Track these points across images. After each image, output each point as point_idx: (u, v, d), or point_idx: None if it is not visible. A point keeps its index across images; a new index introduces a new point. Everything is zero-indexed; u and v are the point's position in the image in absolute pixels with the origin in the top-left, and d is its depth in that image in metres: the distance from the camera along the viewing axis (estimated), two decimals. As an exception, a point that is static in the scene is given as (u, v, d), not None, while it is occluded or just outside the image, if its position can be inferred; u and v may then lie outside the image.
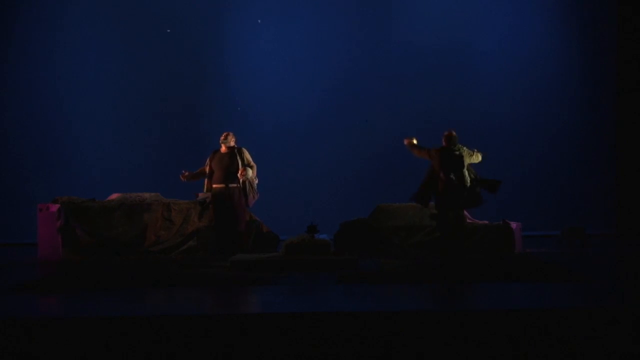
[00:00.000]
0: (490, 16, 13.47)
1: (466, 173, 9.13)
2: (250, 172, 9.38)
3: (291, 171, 13.27)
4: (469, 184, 9.09)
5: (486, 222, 10.23)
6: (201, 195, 9.87)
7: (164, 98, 13.22)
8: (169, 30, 13.14)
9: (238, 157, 9.41)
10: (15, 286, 7.16)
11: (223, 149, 9.51)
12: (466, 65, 13.37)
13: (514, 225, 9.93)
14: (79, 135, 13.29)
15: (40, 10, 13.34)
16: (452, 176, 9.00)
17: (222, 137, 9.54)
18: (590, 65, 13.34)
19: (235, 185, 9.37)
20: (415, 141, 9.42)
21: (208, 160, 9.59)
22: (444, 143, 9.22)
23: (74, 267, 8.87)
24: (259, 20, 13.29)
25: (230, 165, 9.41)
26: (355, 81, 13.46)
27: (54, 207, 9.93)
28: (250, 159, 9.51)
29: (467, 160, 9.17)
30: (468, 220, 10.27)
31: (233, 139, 9.53)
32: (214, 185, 9.47)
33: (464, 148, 9.22)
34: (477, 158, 9.28)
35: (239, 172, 9.33)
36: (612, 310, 5.42)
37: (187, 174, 9.65)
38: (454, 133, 9.22)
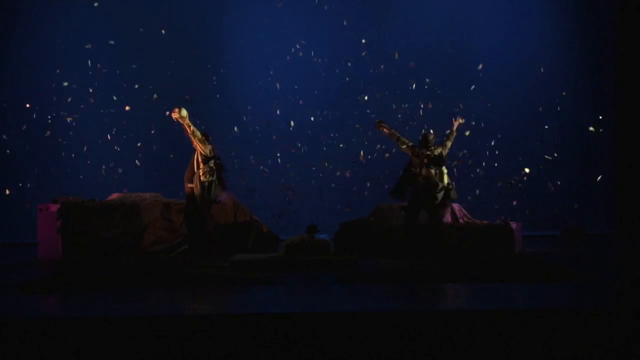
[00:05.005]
0: (490, 16, 13.49)
1: (445, 170, 9.20)
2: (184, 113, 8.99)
3: (291, 171, 13.27)
4: (446, 182, 9.17)
5: (486, 222, 10.23)
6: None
7: (164, 98, 13.21)
8: (163, 31, 13.11)
9: (195, 159, 9.26)
10: (15, 286, 7.16)
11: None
12: (465, 65, 13.40)
13: (514, 225, 9.92)
14: (79, 135, 13.30)
15: (41, 11, 13.36)
16: (433, 172, 9.07)
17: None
18: (591, 65, 13.37)
19: (198, 184, 9.19)
20: (385, 125, 9.50)
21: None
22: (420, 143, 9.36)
23: (74, 267, 8.85)
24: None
25: (193, 165, 9.31)
26: (355, 81, 13.48)
27: (54, 207, 9.91)
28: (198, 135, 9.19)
29: (444, 152, 9.26)
30: (468, 221, 10.28)
31: (205, 140, 9.28)
32: (186, 184, 9.38)
33: (439, 147, 9.33)
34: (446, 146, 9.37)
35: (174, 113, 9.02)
36: (612, 310, 5.42)
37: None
38: (430, 137, 9.32)
